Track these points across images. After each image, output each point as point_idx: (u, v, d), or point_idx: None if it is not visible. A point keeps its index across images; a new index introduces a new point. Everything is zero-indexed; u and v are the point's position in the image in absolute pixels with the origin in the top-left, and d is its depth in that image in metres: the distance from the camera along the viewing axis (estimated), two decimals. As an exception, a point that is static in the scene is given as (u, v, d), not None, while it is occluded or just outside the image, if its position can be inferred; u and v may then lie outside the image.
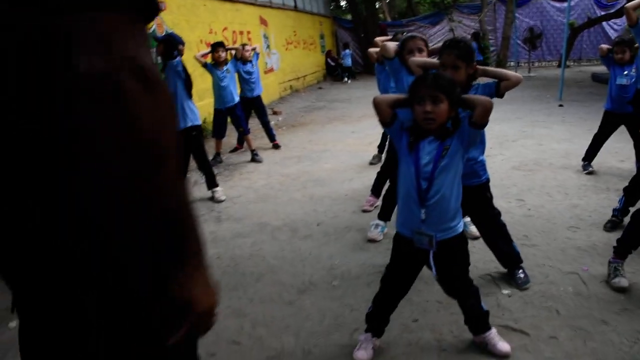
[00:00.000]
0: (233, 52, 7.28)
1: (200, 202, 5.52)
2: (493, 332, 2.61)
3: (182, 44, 5.38)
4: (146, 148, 0.91)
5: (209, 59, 6.96)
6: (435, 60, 3.08)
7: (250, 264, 3.89)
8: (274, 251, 4.12)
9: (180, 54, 5.29)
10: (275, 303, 3.29)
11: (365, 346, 2.62)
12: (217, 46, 6.92)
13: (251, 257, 4.03)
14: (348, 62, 20.29)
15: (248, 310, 3.22)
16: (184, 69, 5.29)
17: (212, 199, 5.57)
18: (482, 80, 2.96)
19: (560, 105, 10.36)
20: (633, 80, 4.90)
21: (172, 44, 5.24)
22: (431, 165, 2.29)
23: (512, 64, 19.07)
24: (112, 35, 0.85)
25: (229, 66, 6.96)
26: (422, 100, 2.24)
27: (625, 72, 5.01)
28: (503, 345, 2.58)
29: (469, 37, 17.61)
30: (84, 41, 0.83)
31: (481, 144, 3.12)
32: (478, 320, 2.61)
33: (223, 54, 6.86)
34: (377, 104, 2.38)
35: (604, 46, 5.19)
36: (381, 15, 26.59)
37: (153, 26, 8.19)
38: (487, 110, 2.22)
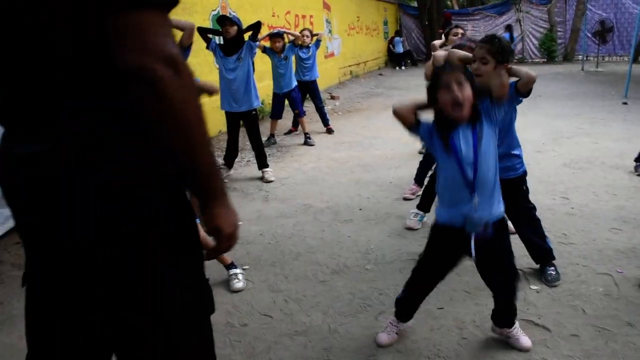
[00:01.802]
0: (291, 37, 7.44)
1: (250, 182, 5.75)
2: (516, 326, 2.66)
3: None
4: (178, 118, 1.12)
5: (267, 43, 7.16)
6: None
7: (290, 243, 4.06)
8: (314, 232, 4.27)
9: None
10: (309, 281, 3.45)
11: (390, 330, 2.72)
12: (274, 36, 7.17)
13: (292, 236, 4.21)
14: (400, 49, 20.69)
15: (283, 286, 3.39)
16: None
17: (262, 178, 5.77)
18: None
19: (625, 103, 10.01)
20: None
21: (258, 27, 5.50)
22: (472, 152, 2.29)
23: (580, 57, 18.47)
24: (144, 31, 1.05)
25: (287, 52, 7.15)
26: (448, 86, 2.23)
27: None
28: (525, 340, 2.62)
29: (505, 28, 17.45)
30: (124, 40, 1.04)
31: (511, 137, 3.17)
32: (507, 314, 2.64)
33: (279, 44, 7.09)
34: (397, 113, 2.41)
35: None
36: (448, 3, 26.17)
37: (217, 8, 8.42)
38: (532, 79, 2.37)
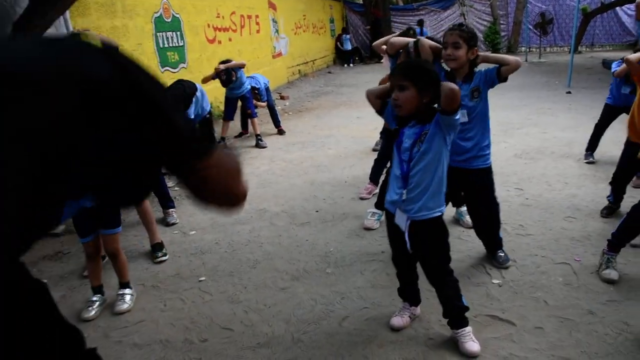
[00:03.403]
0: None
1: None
2: (467, 330, 2.60)
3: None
4: None
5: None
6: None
7: (247, 251, 3.94)
8: (271, 238, 4.17)
9: None
10: (269, 289, 3.34)
11: (402, 314, 2.80)
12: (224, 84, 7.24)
13: (249, 243, 4.09)
14: (347, 46, 20.90)
15: (242, 296, 3.28)
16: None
17: (214, 184, 5.63)
18: (483, 66, 3.05)
19: (568, 92, 10.28)
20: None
21: None
22: (411, 149, 2.40)
23: (523, 49, 18.92)
24: None
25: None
26: (393, 88, 2.40)
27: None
28: (472, 345, 2.54)
29: (416, 22, 17.79)
30: None
31: (484, 128, 3.19)
32: (453, 314, 2.62)
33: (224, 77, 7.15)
34: (367, 97, 2.59)
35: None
36: (393, -1, 26.35)
37: (159, 10, 8.18)
38: (449, 97, 2.25)
